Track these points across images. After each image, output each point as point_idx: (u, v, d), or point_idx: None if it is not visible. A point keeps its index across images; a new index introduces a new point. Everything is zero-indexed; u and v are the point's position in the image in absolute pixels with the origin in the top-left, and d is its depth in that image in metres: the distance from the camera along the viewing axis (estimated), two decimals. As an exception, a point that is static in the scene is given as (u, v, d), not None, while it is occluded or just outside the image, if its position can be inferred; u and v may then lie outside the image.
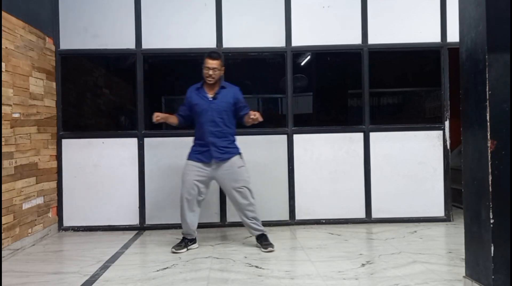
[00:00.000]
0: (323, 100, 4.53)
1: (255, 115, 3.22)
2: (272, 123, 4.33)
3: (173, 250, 3.34)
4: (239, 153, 3.45)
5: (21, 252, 3.41)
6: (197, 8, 4.23)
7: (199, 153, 3.37)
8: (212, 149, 3.33)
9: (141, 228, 4.16)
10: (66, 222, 4.15)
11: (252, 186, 3.40)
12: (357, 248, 3.37)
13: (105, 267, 2.98)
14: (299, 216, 4.23)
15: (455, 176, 4.35)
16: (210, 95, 3.39)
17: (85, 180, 4.16)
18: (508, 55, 2.09)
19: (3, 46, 3.22)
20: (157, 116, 3.30)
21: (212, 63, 3.34)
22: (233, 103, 3.40)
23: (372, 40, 4.27)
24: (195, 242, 3.48)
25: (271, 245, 3.38)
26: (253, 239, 3.71)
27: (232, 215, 4.17)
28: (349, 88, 4.47)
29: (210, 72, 3.33)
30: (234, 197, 3.40)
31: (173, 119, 3.48)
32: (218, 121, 3.34)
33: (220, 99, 3.37)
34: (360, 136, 4.27)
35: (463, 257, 2.36)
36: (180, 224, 4.13)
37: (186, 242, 3.43)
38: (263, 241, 3.42)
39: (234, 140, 3.47)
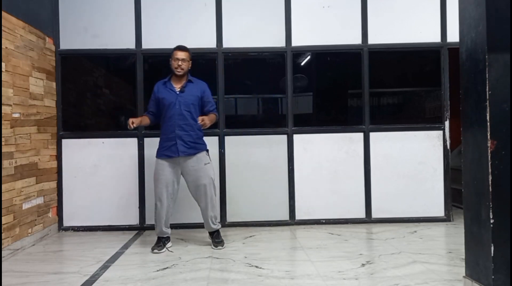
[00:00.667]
0: (323, 100, 4.53)
1: (202, 121, 3.22)
2: (272, 123, 4.33)
3: (155, 250, 3.33)
4: (207, 150, 3.47)
5: (21, 252, 3.41)
6: (197, 8, 4.23)
7: (166, 149, 3.36)
8: (179, 143, 3.32)
9: (141, 228, 4.16)
10: (66, 222, 4.15)
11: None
12: (357, 248, 3.37)
13: (105, 267, 2.98)
14: (299, 216, 4.23)
15: (455, 176, 4.35)
16: (177, 88, 3.41)
17: (85, 180, 4.16)
18: (508, 55, 2.09)
19: (3, 46, 3.22)
20: (133, 123, 3.25)
21: (181, 54, 3.40)
22: (200, 97, 3.43)
23: (372, 40, 4.27)
24: (169, 240, 3.49)
25: (221, 242, 3.44)
26: (254, 239, 3.71)
27: (232, 215, 4.18)
28: (349, 88, 4.47)
29: (180, 63, 3.38)
30: (198, 194, 3.41)
31: (145, 120, 3.48)
32: (185, 114, 3.35)
33: (188, 92, 3.39)
34: (360, 136, 4.27)
35: (463, 257, 2.36)
36: (179, 224, 4.15)
37: (164, 241, 3.43)
38: (215, 238, 3.47)
39: (201, 136, 3.47)
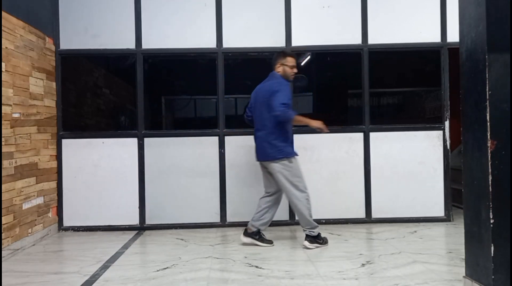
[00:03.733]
0: (323, 100, 4.53)
1: None
2: (272, 123, 4.32)
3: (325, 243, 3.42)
4: None
5: (21, 252, 3.41)
6: (197, 8, 4.23)
7: (293, 147, 3.48)
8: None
9: (141, 228, 4.15)
10: (66, 222, 4.15)
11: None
12: (357, 248, 3.37)
13: (105, 267, 2.98)
14: (299, 216, 4.22)
15: (455, 176, 4.35)
16: None
17: (85, 180, 4.15)
18: (508, 55, 2.09)
19: (3, 46, 3.22)
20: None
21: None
22: None
23: (372, 40, 4.27)
24: None
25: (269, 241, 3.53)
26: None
27: (232, 215, 4.17)
28: (349, 88, 4.47)
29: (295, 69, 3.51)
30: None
31: None
32: None
33: None
34: (360, 136, 4.26)
35: (463, 257, 2.36)
36: (179, 224, 4.15)
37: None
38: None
39: None
